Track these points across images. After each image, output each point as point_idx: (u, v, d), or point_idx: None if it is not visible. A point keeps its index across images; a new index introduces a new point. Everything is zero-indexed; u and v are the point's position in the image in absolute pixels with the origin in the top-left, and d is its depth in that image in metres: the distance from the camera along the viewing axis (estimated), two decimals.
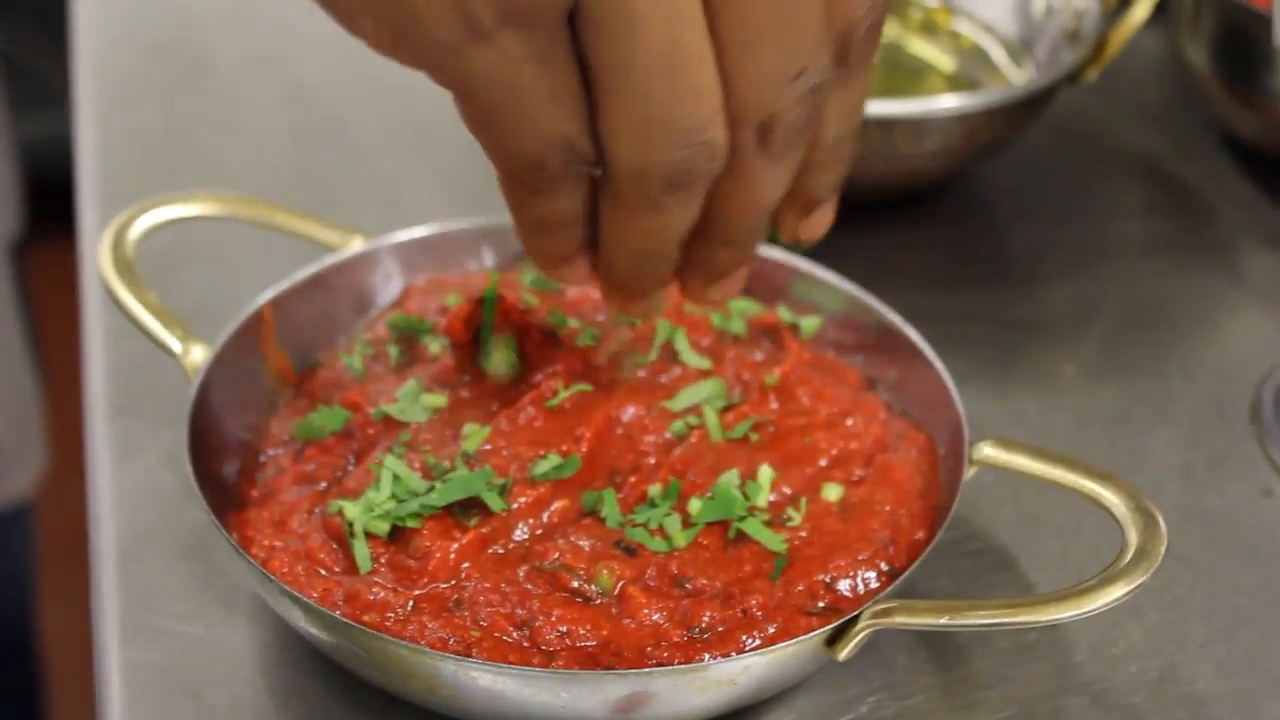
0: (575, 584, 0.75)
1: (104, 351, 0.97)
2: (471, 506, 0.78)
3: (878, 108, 1.03)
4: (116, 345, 0.98)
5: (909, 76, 1.20)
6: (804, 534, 0.79)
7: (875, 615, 0.74)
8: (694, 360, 0.86)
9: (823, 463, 0.83)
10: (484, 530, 0.77)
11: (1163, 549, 0.76)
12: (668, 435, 0.83)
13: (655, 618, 0.75)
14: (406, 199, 1.12)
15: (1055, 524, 0.90)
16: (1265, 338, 1.06)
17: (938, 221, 1.14)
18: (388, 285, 0.93)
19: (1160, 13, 1.17)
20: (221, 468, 0.83)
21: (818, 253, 0.93)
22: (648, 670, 0.72)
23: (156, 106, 1.20)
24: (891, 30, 1.22)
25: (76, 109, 1.18)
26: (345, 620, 0.73)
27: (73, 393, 1.21)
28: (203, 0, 1.32)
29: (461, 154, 1.13)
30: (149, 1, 1.32)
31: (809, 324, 0.91)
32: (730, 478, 0.80)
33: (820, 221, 0.75)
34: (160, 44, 1.27)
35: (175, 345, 0.85)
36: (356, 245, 0.93)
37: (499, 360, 0.85)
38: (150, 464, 0.90)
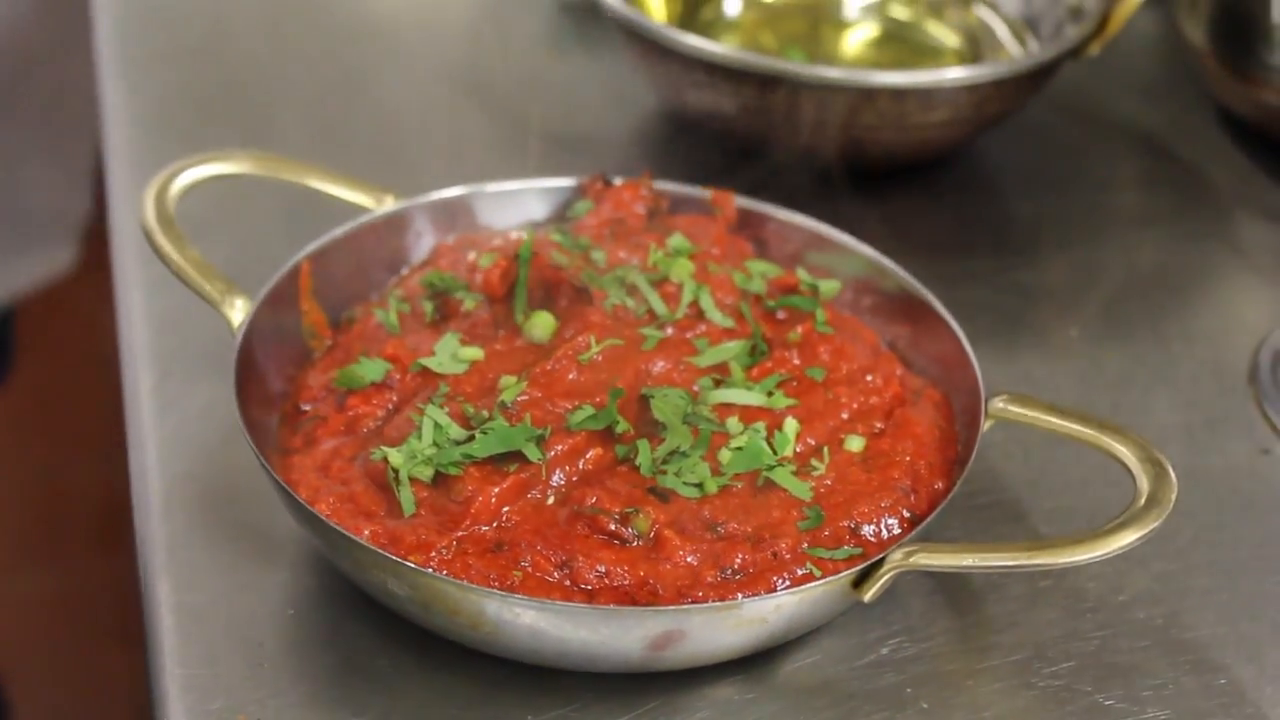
0: (612, 526, 0.78)
1: (142, 307, 0.99)
2: (510, 454, 0.81)
3: (891, 78, 1.07)
4: (150, 303, 1.00)
5: (919, 54, 1.23)
6: (829, 482, 0.82)
7: (900, 557, 0.77)
8: (719, 318, 0.90)
9: (844, 416, 0.86)
10: (523, 476, 0.80)
11: (1173, 497, 0.79)
12: (695, 389, 0.86)
13: (689, 559, 0.78)
14: (437, 161, 1.15)
15: (1063, 480, 0.93)
16: (1261, 304, 1.10)
17: (945, 191, 1.17)
18: (419, 244, 0.96)
19: None
20: (262, 416, 0.86)
21: (830, 218, 0.97)
22: (685, 607, 0.76)
23: (182, 71, 1.23)
24: (904, 11, 1.25)
25: (102, 73, 1.20)
26: (394, 558, 0.76)
27: None
28: None
29: (489, 118, 1.16)
30: None
31: (828, 287, 0.94)
32: (758, 429, 0.84)
33: None
34: (182, 11, 1.29)
35: (218, 297, 0.88)
36: (389, 205, 0.96)
37: (540, 325, 0.88)
38: (189, 415, 0.93)
